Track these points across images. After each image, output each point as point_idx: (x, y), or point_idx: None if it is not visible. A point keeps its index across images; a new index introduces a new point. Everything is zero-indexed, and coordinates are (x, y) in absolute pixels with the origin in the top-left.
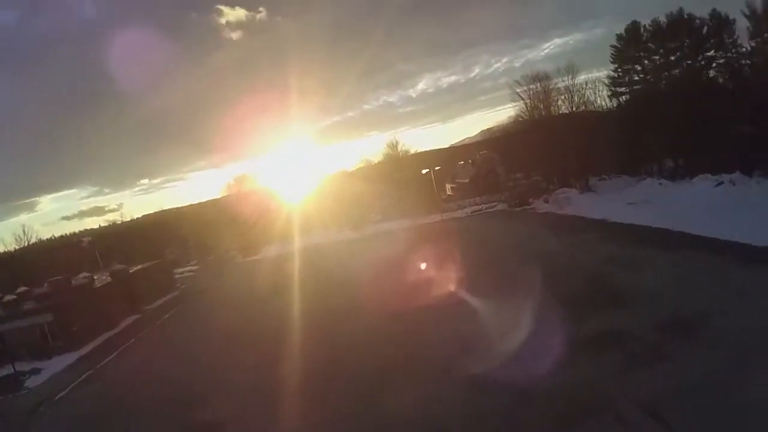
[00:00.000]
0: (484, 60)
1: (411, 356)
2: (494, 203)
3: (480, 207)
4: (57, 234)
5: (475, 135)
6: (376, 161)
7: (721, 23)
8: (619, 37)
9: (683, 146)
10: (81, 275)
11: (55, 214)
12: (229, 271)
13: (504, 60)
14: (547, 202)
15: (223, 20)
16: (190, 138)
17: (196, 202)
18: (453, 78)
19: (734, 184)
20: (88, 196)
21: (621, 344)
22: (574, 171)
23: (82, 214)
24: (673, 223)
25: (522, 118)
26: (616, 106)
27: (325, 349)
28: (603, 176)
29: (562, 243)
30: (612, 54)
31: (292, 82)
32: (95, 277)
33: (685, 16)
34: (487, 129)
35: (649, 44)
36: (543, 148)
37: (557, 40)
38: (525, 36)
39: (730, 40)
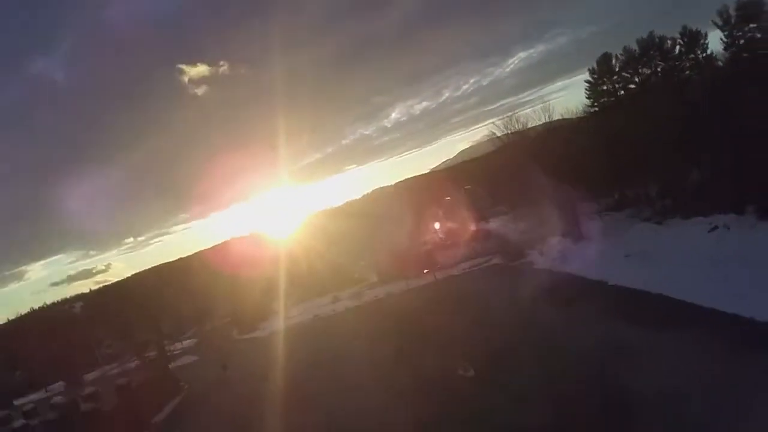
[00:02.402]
0: (453, 83)
1: None
2: (489, 256)
3: (476, 261)
4: (48, 301)
5: (455, 156)
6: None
7: (693, 39)
8: (592, 71)
9: (667, 168)
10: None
11: (44, 281)
12: (230, 355)
13: (472, 81)
14: (542, 254)
15: (185, 78)
16: (171, 192)
17: (184, 255)
18: (425, 104)
19: (729, 229)
20: (76, 260)
21: None
22: (561, 204)
23: (71, 279)
24: (672, 287)
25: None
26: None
27: None
28: (592, 215)
29: (565, 320)
30: (586, 89)
31: (267, 127)
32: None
33: (656, 39)
34: (465, 149)
35: (623, 73)
36: (521, 175)
37: (522, 54)
38: (490, 54)
39: (704, 55)
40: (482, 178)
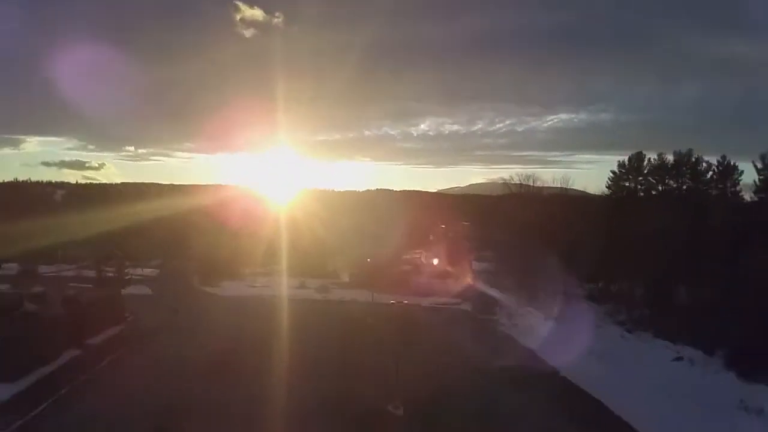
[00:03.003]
0: (488, 116)
1: None
2: (460, 300)
3: (446, 300)
4: (34, 178)
5: (466, 186)
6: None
7: (727, 171)
8: (621, 165)
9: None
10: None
11: (37, 157)
12: (184, 301)
13: (507, 122)
14: (510, 318)
15: (238, 16)
16: (186, 118)
17: (177, 183)
18: (456, 127)
19: (692, 364)
20: (73, 149)
21: None
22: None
23: (63, 164)
24: (622, 407)
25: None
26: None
27: None
28: (571, 297)
29: (509, 405)
30: (609, 179)
31: (298, 89)
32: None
33: (693, 158)
34: (478, 184)
35: (650, 178)
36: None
37: (563, 116)
38: (533, 104)
39: (732, 190)
40: (481, 219)
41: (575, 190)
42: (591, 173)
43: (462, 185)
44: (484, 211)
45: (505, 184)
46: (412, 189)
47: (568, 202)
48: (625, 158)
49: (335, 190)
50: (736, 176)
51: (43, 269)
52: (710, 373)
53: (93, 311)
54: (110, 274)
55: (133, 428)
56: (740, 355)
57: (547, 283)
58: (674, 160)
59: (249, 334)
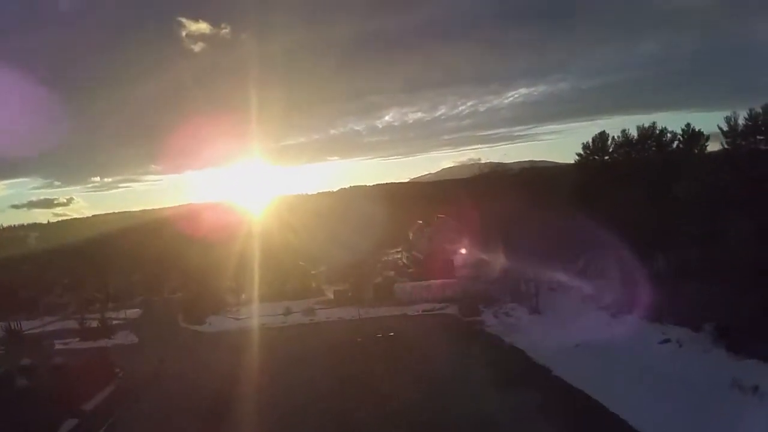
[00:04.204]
0: (450, 101)
1: None
2: (445, 304)
3: (431, 306)
4: (5, 223)
5: (438, 172)
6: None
7: (693, 139)
8: (585, 146)
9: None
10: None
11: (6, 201)
12: (171, 345)
13: (469, 103)
14: (496, 317)
15: (184, 32)
16: (148, 141)
17: (149, 208)
18: (419, 114)
19: (681, 346)
20: (39, 187)
21: None
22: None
23: (32, 205)
24: (611, 398)
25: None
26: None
27: None
28: (552, 285)
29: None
30: (576, 161)
31: (257, 97)
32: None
33: (657, 131)
34: (449, 168)
35: (615, 155)
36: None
37: (522, 90)
38: (492, 82)
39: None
40: (457, 205)
41: (544, 161)
42: (557, 143)
43: (433, 171)
44: (458, 197)
45: (475, 165)
46: (384, 182)
47: (538, 172)
48: (589, 139)
49: (308, 193)
50: (702, 143)
51: (27, 325)
52: (699, 352)
53: (83, 375)
54: (94, 324)
55: None
56: (727, 329)
57: (527, 279)
58: (638, 135)
59: (240, 372)
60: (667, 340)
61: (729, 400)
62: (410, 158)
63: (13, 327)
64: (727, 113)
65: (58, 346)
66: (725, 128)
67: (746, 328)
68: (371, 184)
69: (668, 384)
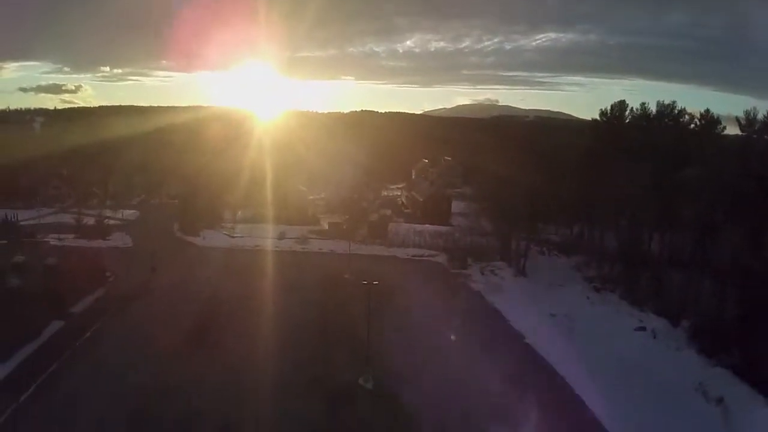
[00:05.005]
0: (475, 34)
1: None
2: (435, 252)
3: (422, 252)
4: (12, 106)
5: (452, 108)
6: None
7: (711, 125)
8: (603, 113)
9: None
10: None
11: (15, 83)
12: (164, 254)
13: (495, 40)
14: (483, 273)
15: None
16: (160, 35)
17: (156, 105)
18: (442, 44)
19: (655, 337)
20: (49, 72)
21: None
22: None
23: (40, 89)
24: (576, 378)
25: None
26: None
27: None
28: (543, 249)
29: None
30: (592, 125)
31: (278, 2)
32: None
33: (677, 110)
34: (465, 105)
35: (631, 127)
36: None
37: (551, 34)
38: (521, 22)
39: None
40: (467, 148)
41: (561, 113)
42: (577, 96)
43: (448, 107)
44: (469, 141)
45: (492, 106)
46: (397, 111)
47: (551, 132)
48: (608, 104)
49: (318, 111)
50: (718, 130)
51: (24, 215)
52: (672, 348)
53: (74, 276)
54: (90, 221)
55: (113, 407)
56: (704, 331)
57: (521, 230)
58: (657, 110)
59: (227, 294)
60: (642, 328)
61: (690, 406)
62: (426, 89)
63: (9, 218)
64: (747, 98)
65: (52, 242)
66: (743, 122)
67: (724, 332)
68: (383, 111)
69: (634, 374)
